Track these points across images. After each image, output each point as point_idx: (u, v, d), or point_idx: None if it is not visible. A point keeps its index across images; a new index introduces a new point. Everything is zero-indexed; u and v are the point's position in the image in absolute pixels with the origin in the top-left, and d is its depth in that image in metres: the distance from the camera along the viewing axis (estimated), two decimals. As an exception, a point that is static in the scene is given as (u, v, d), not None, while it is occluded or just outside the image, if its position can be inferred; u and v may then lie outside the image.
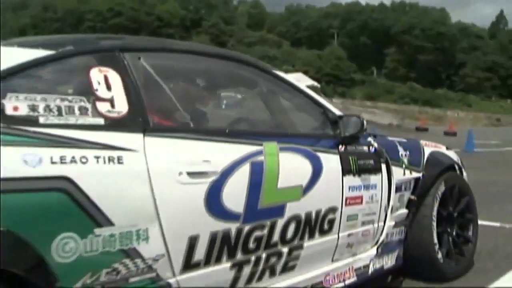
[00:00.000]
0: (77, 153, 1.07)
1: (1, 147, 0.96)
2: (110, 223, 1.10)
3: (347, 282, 1.84)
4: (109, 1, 66.85)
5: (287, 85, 1.85)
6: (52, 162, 1.02)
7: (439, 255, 2.14)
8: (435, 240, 2.13)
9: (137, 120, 1.25)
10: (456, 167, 2.46)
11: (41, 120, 1.09)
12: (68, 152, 1.06)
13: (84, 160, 1.07)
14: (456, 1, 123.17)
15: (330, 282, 1.78)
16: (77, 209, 1.04)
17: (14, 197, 0.95)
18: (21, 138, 1.03)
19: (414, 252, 2.11)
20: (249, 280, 1.49)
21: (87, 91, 1.21)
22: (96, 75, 1.24)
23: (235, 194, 1.38)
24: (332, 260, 1.81)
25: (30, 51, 1.20)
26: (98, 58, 1.29)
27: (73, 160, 1.05)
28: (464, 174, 2.54)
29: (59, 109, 1.14)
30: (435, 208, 2.18)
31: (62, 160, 1.04)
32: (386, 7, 79.78)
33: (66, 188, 1.03)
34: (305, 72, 56.61)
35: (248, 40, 73.98)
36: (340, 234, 1.79)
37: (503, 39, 71.04)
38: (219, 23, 73.83)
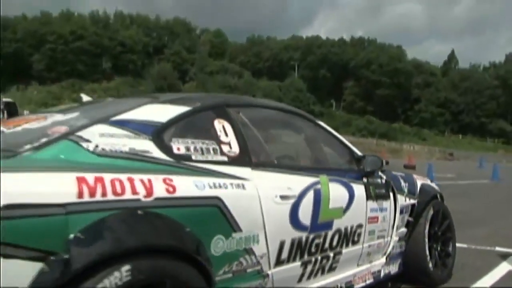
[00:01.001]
0: (221, 181, 1.74)
1: (179, 175, 1.61)
2: (240, 230, 1.77)
3: (367, 282, 2.68)
4: (71, 24, 71.86)
5: (327, 132, 2.73)
6: (210, 187, 1.67)
7: (430, 265, 3.04)
8: (427, 253, 3.01)
9: (245, 158, 1.97)
10: (439, 196, 3.38)
11: (193, 157, 1.77)
12: (216, 180, 1.72)
13: (225, 186, 1.74)
14: (410, 39, 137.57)
15: (356, 282, 2.58)
16: (224, 219, 1.70)
17: (193, 210, 1.61)
18: (187, 170, 1.70)
19: (411, 262, 3.01)
20: (308, 276, 2.22)
21: (215, 137, 1.92)
22: (217, 125, 1.96)
23: (305, 212, 2.11)
24: (357, 265, 2.63)
25: (177, 108, 1.88)
26: (216, 112, 2.01)
27: (220, 186, 1.71)
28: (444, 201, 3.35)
29: (201, 149, 1.81)
30: (427, 228, 3.10)
31: (215, 185, 1.70)
32: (345, 42, 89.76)
33: (218, 205, 1.68)
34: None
35: (209, 69, 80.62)
36: (364, 245, 2.60)
37: (455, 77, 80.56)
38: (182, 51, 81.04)
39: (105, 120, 1.70)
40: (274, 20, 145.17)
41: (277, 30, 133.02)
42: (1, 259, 1.12)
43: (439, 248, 3.25)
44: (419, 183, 3.23)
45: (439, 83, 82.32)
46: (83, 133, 1.60)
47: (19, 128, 1.76)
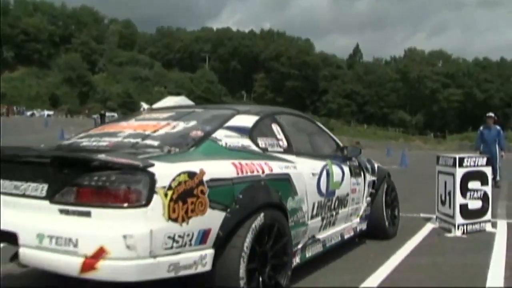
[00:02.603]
0: (285, 164, 3.53)
1: (269, 160, 3.38)
2: (297, 194, 3.53)
3: (350, 235, 4.69)
4: (-36, 10, 77.01)
5: (323, 130, 4.87)
6: (283, 167, 3.45)
7: (386, 224, 5.30)
8: (384, 215, 5.26)
9: (291, 149, 3.76)
10: (387, 174, 5.70)
11: (269, 148, 3.54)
12: (283, 163, 3.49)
13: (288, 167, 3.52)
14: (316, 32, 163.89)
15: (345, 233, 4.54)
16: (291, 187, 3.47)
17: (279, 181, 3.34)
18: (270, 157, 3.46)
19: (373, 222, 5.15)
20: (324, 228, 4.08)
21: (273, 136, 3.69)
22: (275, 127, 3.79)
23: (322, 184, 3.89)
24: (345, 222, 4.58)
25: (252, 117, 3.65)
26: (272, 118, 3.87)
27: (287, 167, 3.49)
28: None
29: (270, 144, 3.58)
30: (383, 197, 5.27)
31: (286, 167, 3.49)
32: (255, 34, 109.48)
33: (288, 178, 3.44)
34: (178, 94, 78.93)
35: (119, 60, 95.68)
36: (349, 208, 4.59)
37: (359, 70, 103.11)
38: (90, 41, 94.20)
39: (221, 126, 3.36)
40: (183, 10, 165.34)
41: (186, 21, 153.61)
42: (209, 210, 2.65)
43: (390, 213, 5.57)
44: (376, 165, 5.53)
45: (345, 75, 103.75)
46: (215, 135, 3.22)
47: (162, 132, 3.29)
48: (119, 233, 2.36)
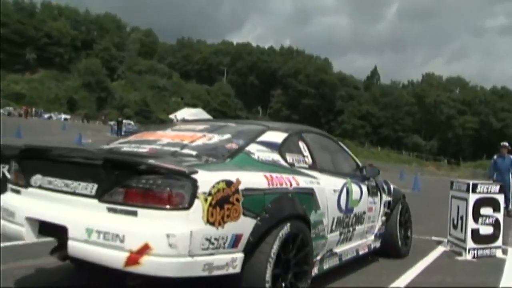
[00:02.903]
0: (310, 179, 3.81)
1: (296, 175, 3.68)
2: (319, 208, 3.82)
3: (365, 251, 4.93)
4: (-7, 10, 78.28)
5: (344, 150, 5.17)
6: (308, 182, 3.73)
7: (400, 243, 5.57)
8: (398, 234, 5.51)
9: (315, 165, 4.07)
10: (402, 196, 6.01)
11: (295, 164, 3.85)
12: (308, 179, 3.77)
13: (312, 182, 3.80)
14: (335, 51, 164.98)
15: (360, 250, 4.79)
16: (314, 201, 3.75)
17: (304, 195, 3.62)
18: (296, 172, 3.74)
19: (387, 241, 5.39)
20: (341, 242, 4.36)
21: (300, 152, 4.03)
22: (302, 145, 4.12)
23: (342, 200, 4.22)
24: (361, 239, 4.85)
25: (281, 134, 3.99)
26: (299, 136, 4.20)
27: (311, 182, 3.78)
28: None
29: (296, 160, 3.90)
30: (398, 217, 5.60)
31: (310, 182, 3.77)
32: (274, 50, 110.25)
33: (312, 193, 3.72)
34: (194, 105, 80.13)
35: (138, 68, 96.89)
36: (365, 225, 4.86)
37: (376, 92, 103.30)
38: (111, 48, 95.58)
39: (253, 141, 3.66)
40: (204, 23, 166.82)
41: (207, 33, 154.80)
42: (242, 217, 2.91)
43: (403, 233, 5.87)
44: (391, 186, 5.84)
45: (361, 96, 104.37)
46: (248, 149, 3.52)
47: (200, 143, 3.56)
48: (163, 232, 2.61)
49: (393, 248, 5.69)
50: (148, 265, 2.61)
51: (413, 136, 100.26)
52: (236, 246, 2.96)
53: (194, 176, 2.73)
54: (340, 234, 4.40)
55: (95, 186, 2.89)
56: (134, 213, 2.71)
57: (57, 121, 57.70)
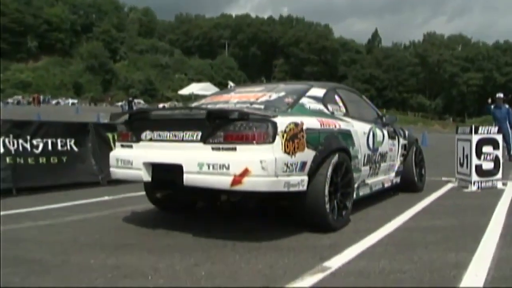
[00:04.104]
0: (347, 123, 4.94)
1: (337, 120, 4.82)
2: (355, 146, 4.96)
3: (388, 185, 6.19)
4: (-13, -1, 78.74)
5: (367, 102, 6.47)
6: (347, 125, 4.91)
7: (416, 179, 6.85)
8: (414, 171, 6.81)
9: (348, 114, 5.28)
10: (416, 139, 7.34)
11: (335, 113, 5.02)
12: (346, 123, 4.92)
13: (349, 125, 4.95)
14: (334, 16, 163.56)
15: (385, 183, 6.06)
16: (352, 140, 4.89)
17: (345, 134, 4.74)
18: (337, 118, 4.86)
19: (405, 177, 6.67)
20: (370, 175, 5.53)
21: (337, 103, 5.27)
22: (337, 97, 5.36)
23: (370, 141, 5.44)
24: (385, 174, 6.10)
25: (321, 89, 5.17)
26: (334, 91, 5.44)
27: (348, 125, 4.93)
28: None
29: (335, 109, 5.10)
30: (413, 158, 6.85)
31: (347, 125, 4.90)
32: (274, 20, 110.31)
33: (350, 133, 4.87)
34: (198, 80, 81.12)
35: (139, 47, 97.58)
36: (388, 163, 6.14)
37: (378, 54, 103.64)
38: (110, 30, 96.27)
39: (304, 95, 4.75)
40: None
41: (205, 7, 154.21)
42: (306, 149, 4.03)
43: (418, 171, 6.94)
44: (406, 132, 7.01)
45: (364, 60, 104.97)
46: (301, 101, 4.62)
47: (264, 98, 4.64)
48: (258, 159, 3.73)
49: (410, 183, 6.82)
50: (248, 184, 3.73)
51: (418, 96, 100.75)
52: (303, 170, 4.07)
53: (274, 119, 3.86)
54: (370, 168, 5.52)
55: (199, 133, 4.02)
56: (234, 149, 3.84)
57: (66, 106, 58.84)
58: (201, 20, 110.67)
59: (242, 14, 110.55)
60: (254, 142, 3.81)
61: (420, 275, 3.05)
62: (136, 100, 52.08)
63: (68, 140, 7.73)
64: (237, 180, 3.73)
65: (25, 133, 7.13)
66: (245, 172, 3.72)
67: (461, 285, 2.84)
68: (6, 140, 6.85)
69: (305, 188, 4.10)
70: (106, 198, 6.48)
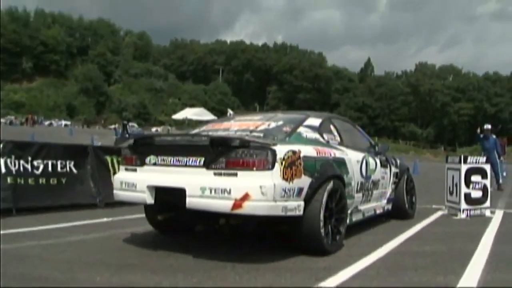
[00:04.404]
0: (341, 152, 5.20)
1: (332, 149, 5.09)
2: (348, 173, 5.21)
3: (380, 211, 6.45)
4: (-14, 20, 79.62)
5: (360, 131, 6.76)
6: (341, 154, 5.21)
7: (406, 206, 7.12)
8: (405, 199, 7.09)
9: (342, 143, 5.54)
10: (407, 168, 7.62)
11: (330, 142, 5.27)
12: (340, 152, 5.19)
13: (343, 154, 5.20)
14: (329, 45, 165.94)
15: (376, 210, 6.30)
16: (345, 167, 5.13)
17: (338, 162, 4.99)
18: (332, 147, 5.13)
19: (396, 204, 6.96)
20: (363, 202, 5.78)
21: (332, 133, 5.52)
22: (332, 127, 5.63)
23: (363, 169, 5.72)
24: (377, 201, 6.36)
25: (318, 119, 5.47)
26: (329, 121, 5.72)
27: (342, 153, 5.18)
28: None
29: (330, 138, 5.37)
30: (404, 186, 7.14)
31: (342, 153, 5.17)
32: (268, 47, 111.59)
33: (344, 161, 5.12)
34: (192, 105, 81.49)
35: (134, 71, 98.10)
36: (380, 190, 6.42)
37: (371, 83, 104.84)
38: (106, 53, 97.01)
39: (301, 125, 5.09)
40: (196, 23, 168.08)
41: (200, 33, 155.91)
42: (303, 175, 4.30)
43: (409, 198, 7.25)
44: (398, 161, 7.33)
45: (356, 88, 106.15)
46: (298, 131, 4.96)
47: (263, 127, 4.95)
48: (257, 184, 3.93)
49: (401, 210, 7.06)
50: (248, 208, 3.93)
51: (410, 125, 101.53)
52: (300, 196, 4.28)
53: (274, 147, 4.08)
54: (363, 195, 5.75)
55: (202, 158, 4.22)
56: (235, 174, 4.04)
57: (59, 128, 58.92)
58: (196, 46, 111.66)
59: (237, 41, 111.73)
60: (254, 168, 4.03)
61: (410, 296, 3.23)
62: (130, 124, 52.38)
63: (67, 162, 7.88)
64: (237, 204, 3.93)
65: (26, 154, 7.29)
66: (246, 197, 3.92)
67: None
68: (8, 161, 6.99)
69: (301, 212, 4.30)
70: (105, 219, 6.61)
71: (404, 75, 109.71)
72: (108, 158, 8.61)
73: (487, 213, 7.54)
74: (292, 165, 4.19)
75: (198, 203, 4.12)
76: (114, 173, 8.43)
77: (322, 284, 3.48)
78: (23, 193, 7.08)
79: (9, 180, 6.94)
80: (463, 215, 7.32)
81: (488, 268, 4.08)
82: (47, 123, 67.80)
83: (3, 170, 6.90)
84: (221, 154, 4.16)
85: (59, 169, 7.72)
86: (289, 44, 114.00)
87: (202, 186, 4.08)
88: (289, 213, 4.18)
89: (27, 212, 6.80)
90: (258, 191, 3.93)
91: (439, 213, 7.87)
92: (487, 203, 7.59)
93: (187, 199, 4.14)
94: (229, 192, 3.97)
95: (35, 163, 7.37)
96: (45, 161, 7.51)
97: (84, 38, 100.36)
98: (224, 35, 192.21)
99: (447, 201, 7.97)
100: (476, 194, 7.48)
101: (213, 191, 4.04)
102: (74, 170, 7.98)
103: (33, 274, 3.70)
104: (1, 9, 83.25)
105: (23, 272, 3.75)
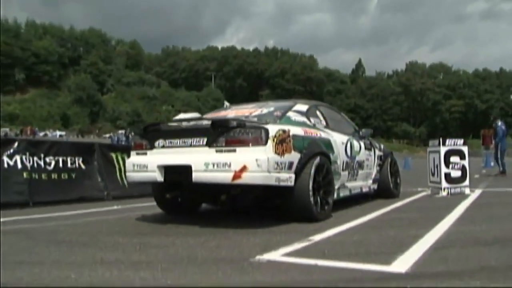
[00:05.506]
0: (327, 134, 5.93)
1: (318, 130, 5.82)
2: (334, 152, 5.88)
3: (366, 190, 7.17)
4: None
5: (346, 118, 7.70)
6: (327, 135, 5.94)
7: (391, 186, 7.88)
8: (390, 180, 7.88)
9: (328, 126, 6.31)
10: (391, 153, 8.48)
11: (316, 125, 5.97)
12: (326, 134, 5.90)
13: (328, 135, 5.92)
14: (320, 48, 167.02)
15: (363, 188, 7.02)
16: (331, 147, 5.84)
17: (324, 141, 5.71)
18: (318, 129, 5.87)
19: (381, 185, 7.74)
20: (349, 180, 6.47)
21: (318, 117, 6.31)
22: (318, 112, 6.41)
23: (348, 149, 6.47)
24: (362, 180, 7.13)
25: (305, 105, 6.24)
26: (316, 107, 6.50)
27: (328, 134, 5.93)
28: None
29: (317, 122, 6.10)
30: (388, 166, 7.92)
31: (327, 135, 5.90)
32: (259, 52, 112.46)
33: (330, 141, 5.86)
34: (185, 112, 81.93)
35: (127, 80, 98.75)
36: (365, 170, 7.19)
37: (362, 84, 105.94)
38: (98, 62, 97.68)
39: (290, 110, 5.79)
40: (188, 30, 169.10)
41: (191, 40, 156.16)
42: (293, 151, 4.94)
43: (394, 180, 7.96)
44: (382, 145, 8.19)
45: (348, 90, 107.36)
46: (288, 115, 5.63)
47: (256, 113, 5.64)
48: (254, 158, 4.55)
49: (386, 190, 7.75)
50: (246, 178, 4.54)
51: (402, 124, 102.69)
52: (291, 169, 4.90)
53: (266, 126, 4.74)
54: (349, 173, 6.41)
55: (205, 139, 4.86)
56: (234, 151, 4.67)
57: (53, 138, 59.29)
58: (188, 53, 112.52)
59: (228, 47, 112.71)
60: (250, 144, 4.66)
61: (385, 242, 3.88)
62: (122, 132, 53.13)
63: (76, 159, 8.52)
64: (237, 175, 4.56)
65: (39, 151, 7.91)
66: (244, 169, 4.55)
67: (414, 246, 3.66)
68: (23, 157, 7.61)
69: (292, 183, 4.92)
70: (115, 207, 7.22)
71: (395, 75, 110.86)
72: (113, 155, 9.25)
73: (467, 191, 8.18)
74: (283, 142, 4.83)
75: (202, 177, 4.73)
76: (119, 169, 9.11)
77: (311, 237, 4.11)
78: (38, 187, 7.69)
79: (24, 175, 7.55)
80: (444, 193, 7.97)
81: (456, 224, 4.74)
82: (42, 134, 68.08)
83: (20, 165, 7.52)
84: (221, 134, 4.79)
85: (69, 165, 8.35)
86: (280, 49, 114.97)
87: (206, 162, 4.70)
88: (282, 183, 4.79)
89: (42, 205, 7.40)
90: (254, 163, 4.55)
91: (423, 194, 8.56)
92: (466, 182, 8.24)
93: (193, 174, 4.74)
94: (229, 166, 4.59)
95: (47, 159, 7.99)
96: (56, 158, 8.14)
97: (75, 48, 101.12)
98: (216, 42, 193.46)
99: (429, 182, 8.63)
100: (456, 173, 8.14)
101: (215, 166, 4.66)
102: (83, 166, 8.61)
103: (64, 239, 4.32)
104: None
105: (56, 239, 4.36)
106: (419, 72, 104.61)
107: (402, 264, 3.05)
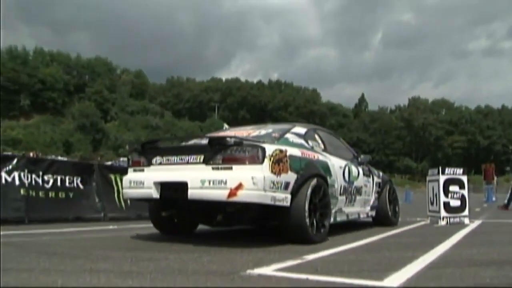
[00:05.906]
0: (324, 157, 5.94)
1: (315, 153, 5.77)
2: (331, 176, 5.85)
3: (363, 216, 7.15)
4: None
5: (344, 143, 7.62)
6: (324, 158, 6.02)
7: (390, 214, 7.82)
8: (388, 207, 7.79)
9: (326, 150, 6.27)
10: (389, 180, 8.44)
11: (314, 148, 5.93)
12: (323, 157, 5.90)
13: (326, 158, 5.94)
14: (323, 82, 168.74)
15: (360, 214, 6.99)
16: (329, 170, 5.81)
17: (322, 164, 5.68)
18: (316, 151, 5.86)
19: (380, 212, 7.67)
20: (346, 205, 6.39)
21: (316, 140, 6.27)
22: (316, 136, 6.36)
23: (346, 174, 6.41)
24: (360, 207, 7.05)
25: (303, 128, 6.26)
26: (314, 130, 6.52)
27: (325, 158, 5.94)
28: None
29: (315, 145, 6.06)
30: (387, 194, 7.84)
31: (325, 158, 5.92)
32: (263, 84, 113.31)
33: (327, 165, 5.84)
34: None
35: (130, 109, 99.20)
36: (363, 197, 7.12)
37: (365, 118, 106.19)
38: (103, 91, 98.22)
39: (288, 132, 5.81)
40: (193, 61, 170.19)
41: (196, 71, 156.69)
42: (289, 171, 4.93)
43: (392, 207, 7.90)
44: (380, 173, 8.06)
45: (351, 124, 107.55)
46: (286, 136, 5.63)
47: (255, 134, 5.68)
48: (250, 176, 4.53)
49: (385, 217, 7.69)
50: (242, 195, 4.51)
51: (404, 159, 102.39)
52: (287, 189, 4.87)
53: (263, 145, 4.74)
54: (346, 198, 6.35)
55: (202, 156, 4.85)
56: (230, 168, 4.66)
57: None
58: (192, 84, 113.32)
59: (232, 78, 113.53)
60: (247, 162, 4.65)
61: (380, 262, 3.83)
62: (123, 159, 53.16)
63: (75, 178, 8.51)
64: (232, 192, 4.53)
65: (38, 169, 7.92)
66: (239, 186, 4.53)
67: (409, 265, 3.61)
68: (22, 174, 7.61)
69: (288, 203, 4.89)
70: (111, 227, 7.18)
71: (397, 110, 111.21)
72: (112, 176, 9.23)
73: (466, 221, 8.11)
74: (280, 162, 4.82)
75: (198, 194, 4.70)
76: (118, 190, 9.08)
77: (305, 257, 4.06)
78: (35, 204, 7.68)
79: (22, 191, 7.54)
80: (443, 222, 7.91)
81: (452, 248, 4.68)
82: (44, 160, 68.04)
83: (17, 182, 7.52)
84: (218, 151, 4.79)
85: (67, 184, 8.34)
86: (284, 81, 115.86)
87: (202, 179, 4.68)
88: (278, 203, 4.77)
89: (38, 222, 7.36)
90: (250, 181, 4.53)
91: (421, 223, 8.47)
92: (466, 212, 8.18)
93: (189, 191, 4.72)
94: (225, 183, 4.57)
95: (45, 177, 7.99)
96: (54, 176, 8.13)
97: (81, 76, 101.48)
98: (220, 73, 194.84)
99: (429, 211, 8.57)
100: (455, 203, 8.09)
101: (211, 183, 4.64)
102: (81, 186, 8.59)
103: (56, 251, 4.28)
104: (0, 48, 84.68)
105: (47, 251, 4.32)
106: (422, 108, 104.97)
107: (395, 280, 3.00)
